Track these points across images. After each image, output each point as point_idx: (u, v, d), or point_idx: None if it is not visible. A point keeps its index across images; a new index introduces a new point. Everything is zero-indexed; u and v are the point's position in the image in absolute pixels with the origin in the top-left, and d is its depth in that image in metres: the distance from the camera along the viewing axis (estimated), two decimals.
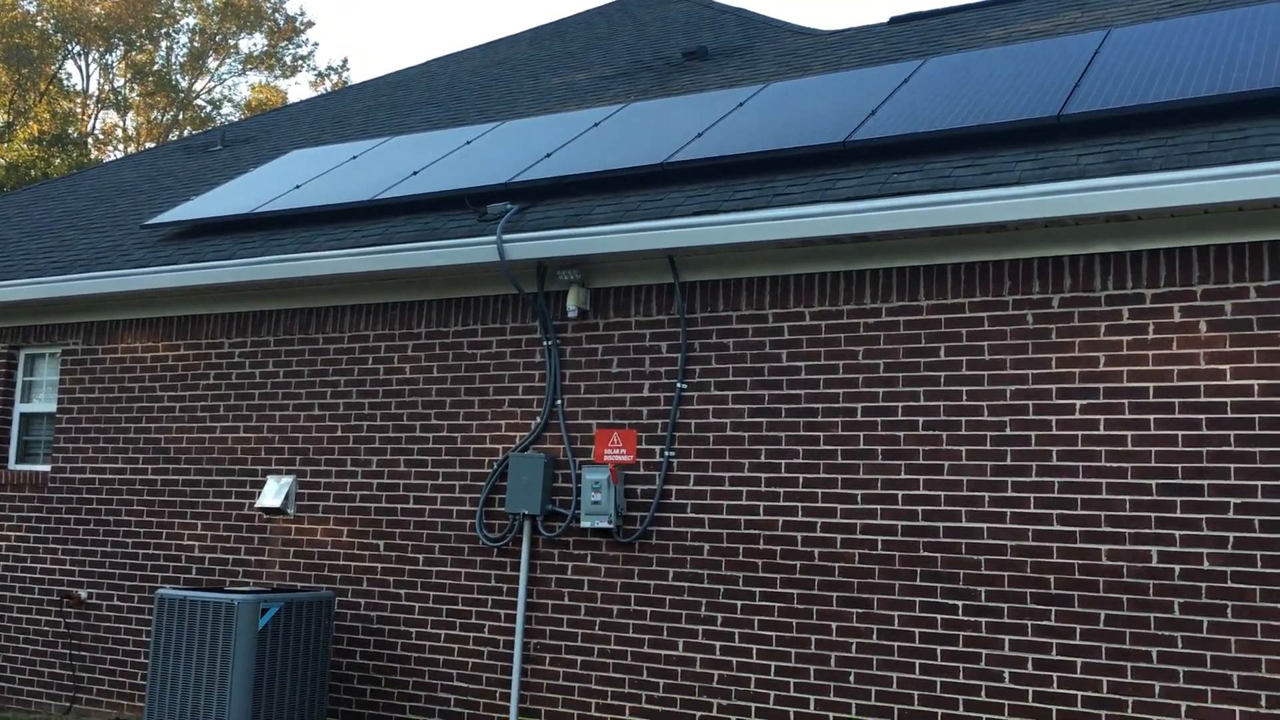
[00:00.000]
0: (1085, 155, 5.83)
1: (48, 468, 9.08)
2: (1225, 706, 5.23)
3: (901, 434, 6.05)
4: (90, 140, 34.31)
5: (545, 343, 7.09)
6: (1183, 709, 5.31)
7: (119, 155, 33.07)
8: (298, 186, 8.90)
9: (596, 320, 6.99)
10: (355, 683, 7.45)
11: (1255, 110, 5.83)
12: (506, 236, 6.88)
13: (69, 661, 8.62)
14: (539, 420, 7.06)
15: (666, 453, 6.64)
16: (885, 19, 10.96)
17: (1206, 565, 5.34)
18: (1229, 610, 5.28)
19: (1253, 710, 5.18)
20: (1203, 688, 5.28)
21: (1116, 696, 5.44)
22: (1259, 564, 5.24)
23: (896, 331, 6.14)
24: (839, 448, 6.20)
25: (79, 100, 35.26)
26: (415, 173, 8.38)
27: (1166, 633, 5.38)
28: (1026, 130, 6.31)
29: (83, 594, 8.61)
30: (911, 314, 6.11)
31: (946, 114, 6.64)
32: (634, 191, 7.13)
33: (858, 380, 6.20)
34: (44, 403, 9.28)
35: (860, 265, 6.26)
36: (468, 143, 8.95)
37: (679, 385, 6.65)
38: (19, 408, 9.40)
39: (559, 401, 7.01)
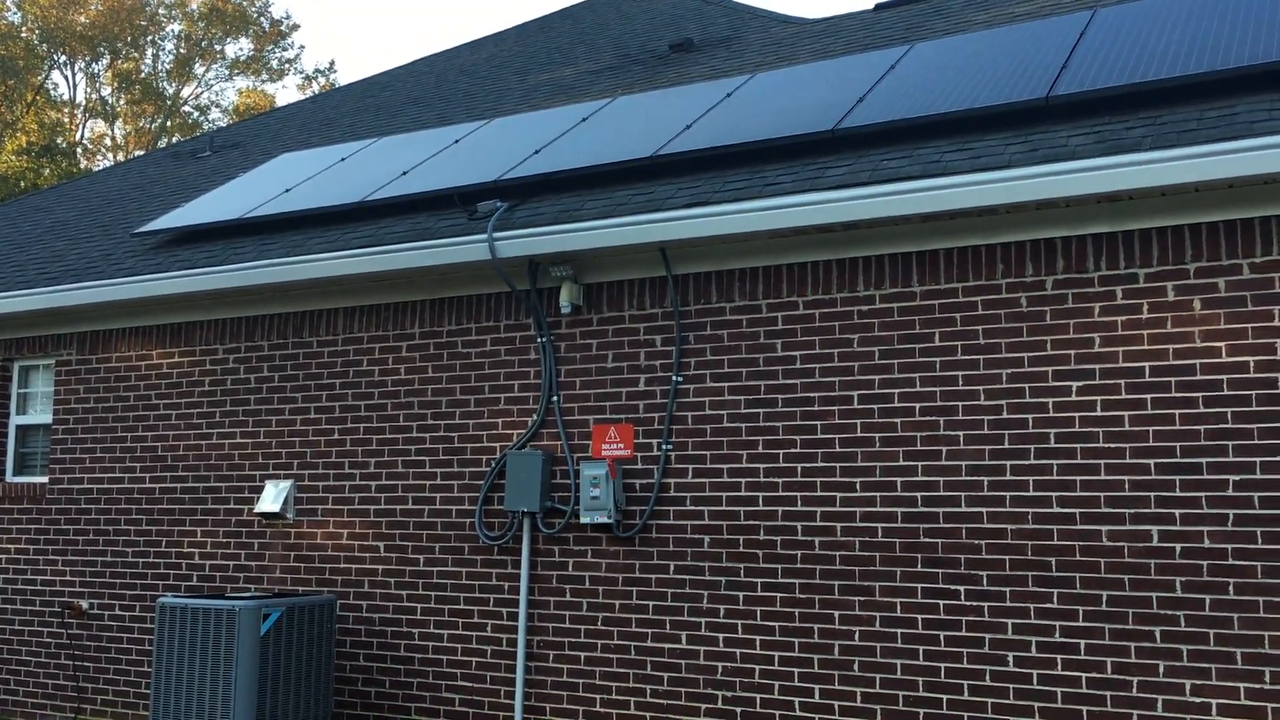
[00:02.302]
0: (1075, 136, 5.82)
1: (45, 479, 9.06)
2: (1229, 684, 5.23)
3: (898, 420, 6.04)
4: (79, 150, 34.23)
5: (540, 339, 7.07)
6: (1187, 687, 5.31)
7: (108, 164, 32.98)
8: (287, 190, 8.88)
9: (590, 316, 6.97)
10: (359, 685, 7.45)
11: (1243, 86, 5.82)
12: (497, 234, 6.86)
13: (72, 672, 8.60)
14: (535, 417, 7.04)
15: (664, 446, 6.63)
16: (871, 6, 10.93)
17: (1207, 543, 5.34)
18: (1230, 588, 5.27)
19: (1257, 687, 5.18)
20: (1206, 665, 5.28)
21: (1121, 677, 5.45)
22: (1259, 540, 5.24)
23: (890, 318, 6.13)
24: (836, 436, 6.19)
25: (66, 110, 35.17)
26: (404, 173, 8.36)
27: (1169, 612, 5.38)
28: (1015, 113, 6.30)
29: (84, 604, 8.60)
30: (905, 300, 6.10)
31: (935, 99, 6.62)
32: (624, 185, 7.11)
33: (853, 368, 6.19)
34: (40, 414, 9.26)
35: (852, 253, 6.24)
36: (456, 141, 8.92)
37: (675, 378, 6.64)
38: (15, 420, 9.38)
39: (555, 398, 7.00)
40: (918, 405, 6.01)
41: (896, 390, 6.07)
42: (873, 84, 7.27)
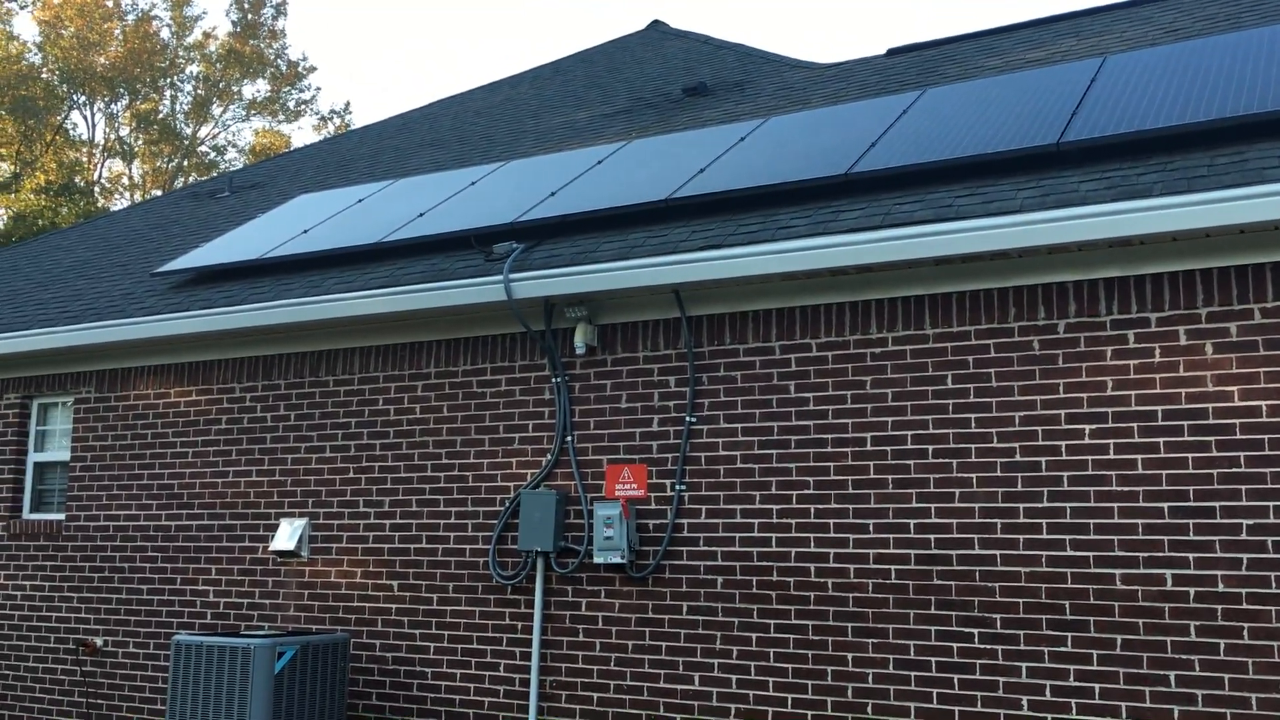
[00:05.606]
0: (1086, 182, 5.88)
1: (62, 516, 9.11)
2: None
3: (911, 463, 6.07)
4: (96, 189, 34.58)
5: (554, 380, 7.13)
6: None
7: (125, 203, 33.30)
8: (305, 231, 8.98)
9: (605, 356, 7.03)
10: None
11: (1253, 133, 5.88)
12: (513, 275, 6.93)
13: (85, 710, 8.61)
14: (550, 457, 7.08)
15: (678, 487, 6.66)
16: (883, 51, 11.06)
17: (1221, 587, 5.34)
18: (1245, 632, 5.27)
19: None
20: (1222, 711, 5.27)
21: None
22: (1273, 585, 5.24)
23: (903, 360, 6.17)
24: (849, 478, 6.22)
25: (85, 150, 35.57)
26: (421, 214, 8.46)
27: (1184, 656, 5.37)
28: (1027, 158, 6.36)
29: (98, 642, 8.62)
30: (918, 343, 6.15)
31: (947, 144, 6.70)
32: (639, 228, 7.19)
33: (866, 410, 6.23)
34: (57, 451, 9.33)
35: (865, 295, 6.30)
36: (472, 183, 9.03)
37: (688, 419, 6.68)
38: (32, 457, 9.45)
39: (569, 438, 7.04)
40: (930, 447, 6.04)
41: (909, 432, 6.10)
42: (885, 129, 7.35)
